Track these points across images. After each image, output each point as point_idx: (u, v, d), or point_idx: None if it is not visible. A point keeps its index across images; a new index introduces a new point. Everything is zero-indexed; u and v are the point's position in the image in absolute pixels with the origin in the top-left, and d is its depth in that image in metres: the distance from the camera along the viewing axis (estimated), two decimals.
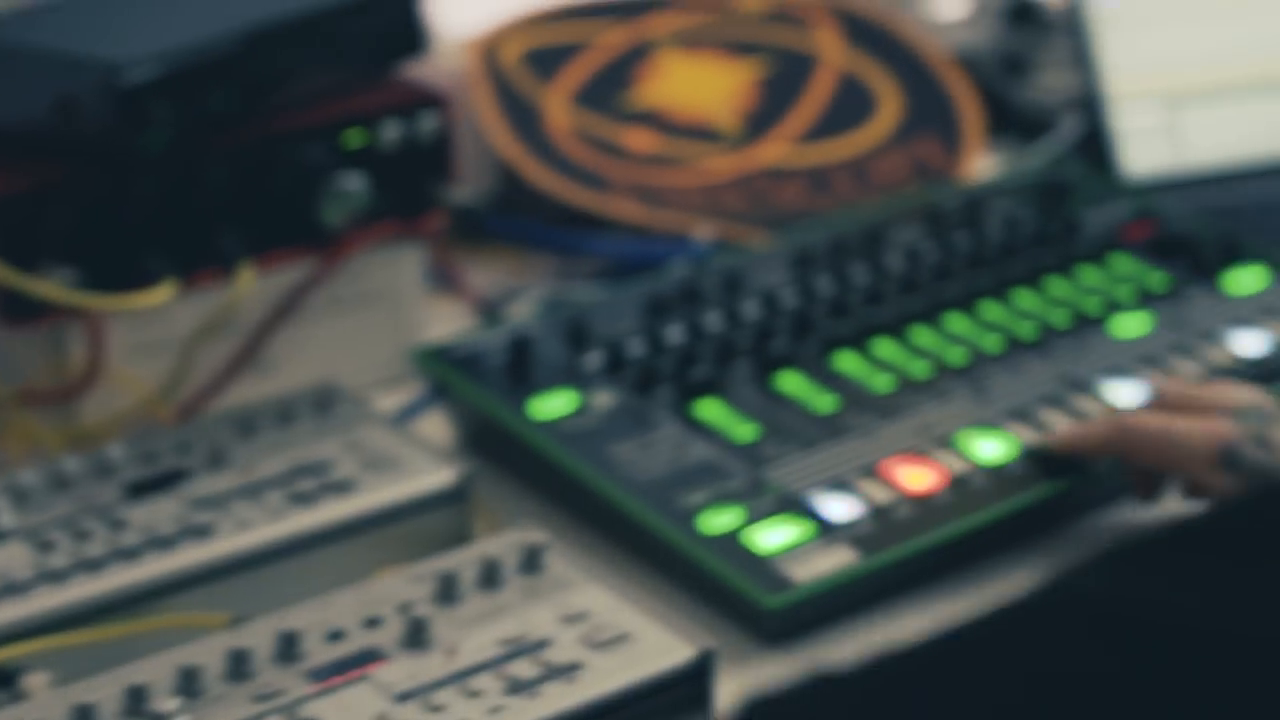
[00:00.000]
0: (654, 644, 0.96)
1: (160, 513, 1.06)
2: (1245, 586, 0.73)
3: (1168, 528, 0.81)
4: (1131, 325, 1.25)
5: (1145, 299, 1.28)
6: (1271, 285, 1.30)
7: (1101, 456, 1.12)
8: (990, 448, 1.13)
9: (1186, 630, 0.72)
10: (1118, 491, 1.16)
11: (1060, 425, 1.14)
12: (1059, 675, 0.73)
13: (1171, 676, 0.71)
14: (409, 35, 1.29)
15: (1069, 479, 1.12)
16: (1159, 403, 1.13)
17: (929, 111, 1.58)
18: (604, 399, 1.17)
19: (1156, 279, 1.31)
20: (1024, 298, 1.28)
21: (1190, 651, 0.71)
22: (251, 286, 1.20)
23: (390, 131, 1.25)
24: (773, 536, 1.05)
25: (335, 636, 0.96)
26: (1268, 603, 0.72)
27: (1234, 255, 1.33)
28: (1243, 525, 0.77)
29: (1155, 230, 1.36)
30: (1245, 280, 1.31)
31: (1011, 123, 1.67)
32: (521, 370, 1.19)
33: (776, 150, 1.53)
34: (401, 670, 0.94)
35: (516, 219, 1.49)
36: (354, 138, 1.24)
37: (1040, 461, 1.12)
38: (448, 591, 0.99)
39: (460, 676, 0.93)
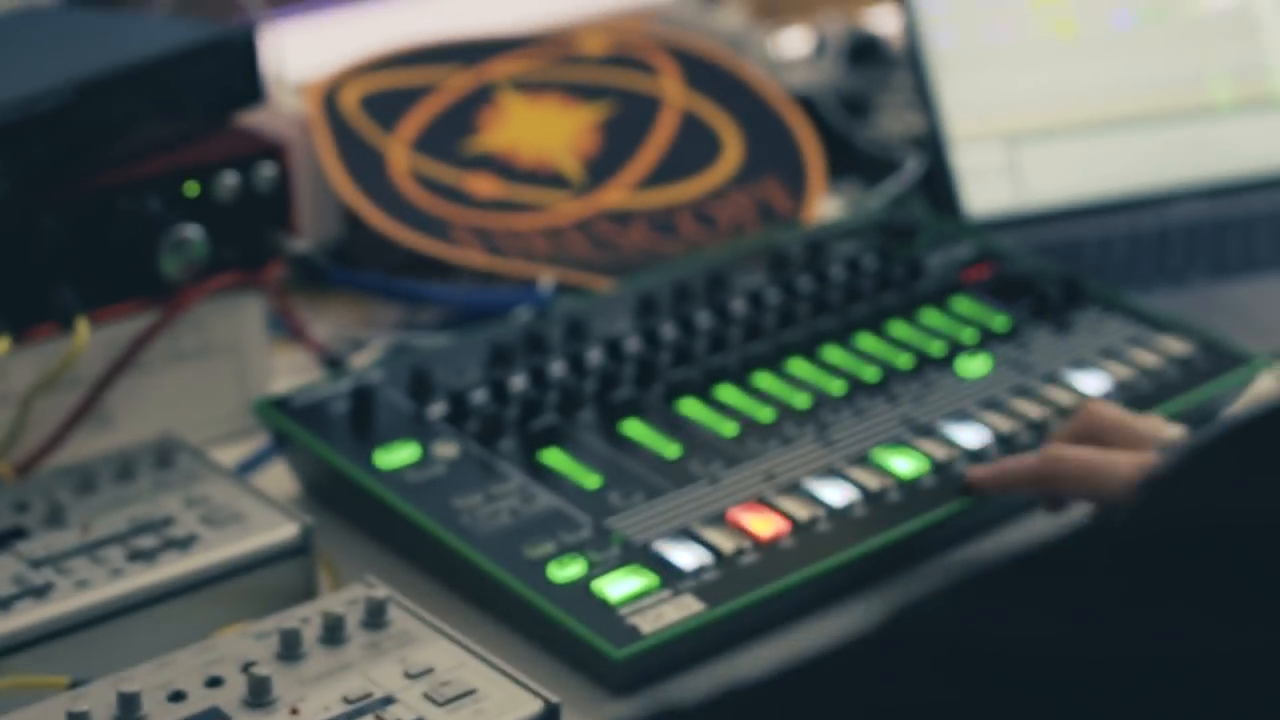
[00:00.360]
0: (500, 698, 0.95)
1: None
2: (1087, 611, 0.73)
3: (1010, 555, 0.82)
4: (974, 367, 1.26)
5: (987, 341, 1.29)
6: (1110, 325, 1.32)
7: (1027, 490, 1.13)
8: (834, 493, 1.13)
9: (1028, 658, 0.72)
10: (969, 531, 1.16)
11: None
12: (901, 708, 0.73)
13: (1013, 705, 0.72)
14: (246, 84, 1.28)
15: (917, 522, 1.12)
16: (1090, 430, 1.13)
17: (772, 153, 1.59)
18: (448, 449, 1.16)
19: (998, 321, 1.32)
20: (867, 341, 1.29)
21: (1031, 679, 0.72)
22: (88, 340, 1.18)
23: (227, 182, 1.24)
24: (619, 587, 1.05)
25: (177, 697, 0.95)
26: (1108, 626, 0.72)
27: (1074, 296, 1.34)
28: (1085, 551, 0.77)
29: (996, 271, 1.37)
30: (1085, 321, 1.32)
31: (854, 163, 1.69)
32: (364, 421, 1.18)
33: (620, 194, 1.53)
34: None
35: (358, 268, 1.48)
36: (191, 188, 1.23)
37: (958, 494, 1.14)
38: (290, 649, 0.98)
39: None
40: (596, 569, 1.06)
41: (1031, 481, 1.12)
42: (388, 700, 0.95)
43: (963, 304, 1.34)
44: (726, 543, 1.08)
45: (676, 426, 1.19)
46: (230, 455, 1.24)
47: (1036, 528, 1.17)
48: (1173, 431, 1.11)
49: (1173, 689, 0.69)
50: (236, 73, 1.28)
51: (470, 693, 0.95)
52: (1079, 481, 1.10)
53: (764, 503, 1.12)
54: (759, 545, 1.09)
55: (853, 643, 0.78)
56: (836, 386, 1.23)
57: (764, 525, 1.10)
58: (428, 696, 0.95)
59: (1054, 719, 0.71)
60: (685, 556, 1.07)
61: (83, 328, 1.18)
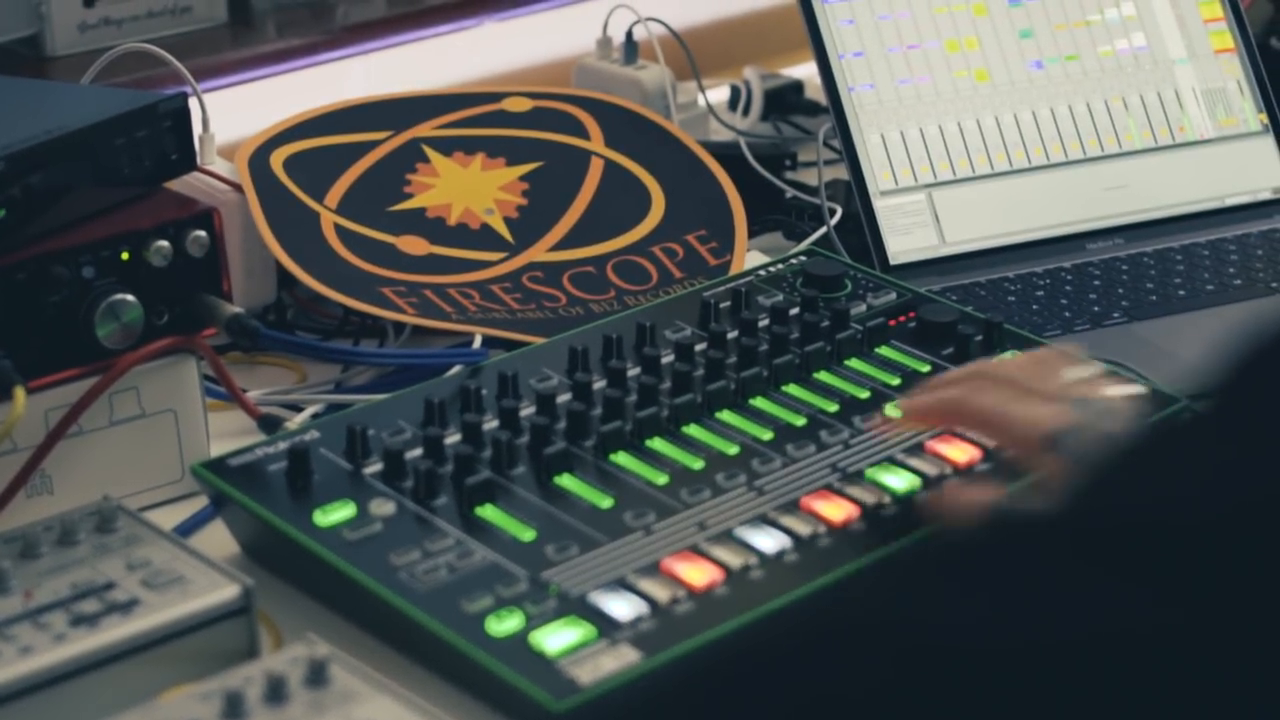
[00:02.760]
0: None
1: None
2: (1023, 596, 0.75)
3: (949, 543, 0.84)
4: (899, 413, 1.29)
5: (912, 386, 1.32)
6: None
7: (936, 425, 1.17)
8: (766, 540, 1.15)
9: (967, 646, 0.74)
10: None
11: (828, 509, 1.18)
12: (844, 697, 0.75)
13: (953, 691, 0.73)
14: (177, 151, 1.30)
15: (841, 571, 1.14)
16: (1007, 379, 1.15)
17: (696, 206, 1.62)
18: (385, 506, 1.18)
19: (922, 366, 1.34)
20: (794, 389, 1.31)
21: (970, 664, 0.74)
22: (25, 408, 1.19)
23: (161, 248, 1.25)
24: (557, 639, 1.07)
25: None
26: (1043, 610, 0.74)
27: (996, 340, 1.37)
28: (1023, 538, 0.79)
29: (919, 317, 1.40)
30: None
31: (778, 212, 1.71)
32: (301, 480, 1.20)
33: (548, 250, 1.55)
34: None
35: (296, 327, 1.50)
36: (125, 255, 1.24)
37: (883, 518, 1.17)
38: (234, 709, 0.99)
39: None
40: (534, 621, 1.08)
41: (939, 419, 1.16)
42: None
43: (887, 350, 1.36)
44: (661, 592, 1.10)
45: (609, 478, 1.21)
46: (170, 517, 1.26)
47: None
48: (1076, 375, 1.14)
49: (1104, 667, 0.71)
50: (167, 140, 1.30)
51: None
52: (987, 424, 1.13)
53: (697, 552, 1.14)
54: (693, 594, 1.11)
55: (797, 632, 0.80)
56: (765, 435, 1.26)
57: (698, 574, 1.12)
58: None
59: (992, 703, 0.73)
60: (621, 607, 1.09)
61: (20, 396, 1.19)
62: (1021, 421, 1.11)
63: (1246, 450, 0.73)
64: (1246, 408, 0.75)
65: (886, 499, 1.20)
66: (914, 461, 1.23)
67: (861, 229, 1.61)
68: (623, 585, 1.11)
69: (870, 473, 1.22)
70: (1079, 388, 1.14)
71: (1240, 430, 0.74)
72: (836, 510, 1.18)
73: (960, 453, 1.24)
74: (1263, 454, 0.72)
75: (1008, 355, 1.27)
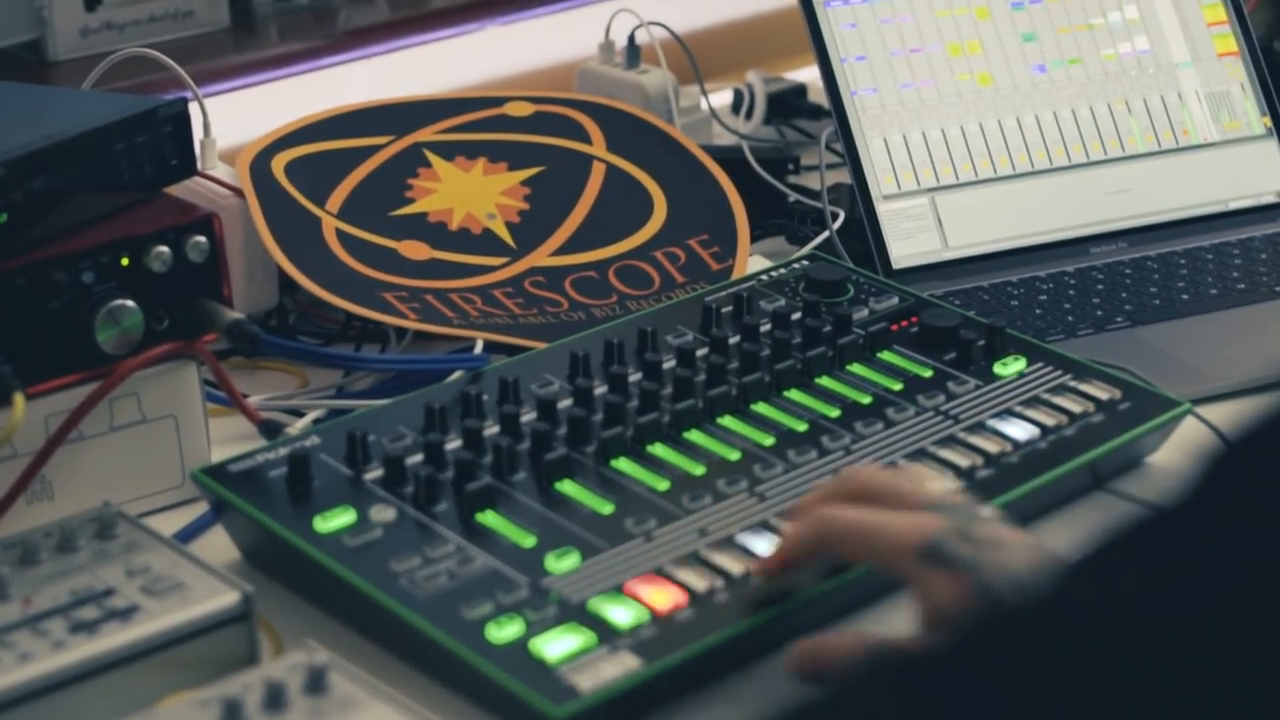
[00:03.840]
0: None
1: None
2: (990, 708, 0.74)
3: (911, 652, 0.82)
4: (902, 418, 1.28)
5: (913, 391, 1.32)
6: (1030, 373, 1.34)
7: (809, 558, 1.10)
8: (767, 546, 1.15)
9: None
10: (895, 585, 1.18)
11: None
12: None
13: None
14: (177, 156, 1.30)
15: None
16: (855, 493, 1.10)
17: (698, 211, 1.61)
18: (385, 513, 1.17)
19: (924, 371, 1.34)
20: (795, 395, 1.31)
21: None
22: (25, 414, 1.19)
23: (161, 253, 1.25)
24: (557, 646, 1.06)
25: None
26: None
27: (998, 344, 1.36)
28: (984, 646, 0.77)
29: (921, 322, 1.40)
30: (1009, 370, 1.35)
31: (780, 217, 1.71)
32: (301, 486, 1.19)
33: (549, 255, 1.55)
34: None
35: (297, 332, 1.50)
36: (125, 261, 1.24)
37: (758, 596, 1.12)
38: (233, 716, 0.99)
39: None
40: (534, 628, 1.08)
41: (809, 549, 1.09)
42: None
43: (889, 355, 1.36)
44: (661, 600, 1.10)
45: (610, 484, 1.21)
46: (170, 523, 1.26)
47: None
48: (938, 487, 1.09)
49: None
50: (168, 145, 1.30)
51: None
52: (855, 540, 1.06)
53: (698, 558, 1.14)
54: (694, 600, 1.10)
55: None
56: (767, 440, 1.25)
57: (698, 581, 1.12)
58: None
59: None
60: (621, 614, 1.09)
61: (20, 401, 1.19)
62: (892, 533, 1.06)
63: (1211, 557, 0.71)
64: (1209, 514, 0.73)
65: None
66: (915, 463, 1.23)
67: (864, 233, 1.61)
68: (623, 591, 1.11)
69: None
70: (942, 495, 1.08)
71: (1203, 537, 0.72)
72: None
73: (960, 457, 1.24)
74: (1229, 561, 0.71)
75: (864, 465, 1.24)
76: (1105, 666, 0.70)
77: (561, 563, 1.13)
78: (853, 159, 1.62)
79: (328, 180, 1.56)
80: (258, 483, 1.20)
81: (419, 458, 1.22)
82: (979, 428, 1.28)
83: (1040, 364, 1.36)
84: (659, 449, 1.25)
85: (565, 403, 1.28)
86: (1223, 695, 0.68)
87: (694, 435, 1.26)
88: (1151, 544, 0.73)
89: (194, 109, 1.36)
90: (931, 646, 0.77)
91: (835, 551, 1.09)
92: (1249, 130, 1.74)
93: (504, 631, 1.07)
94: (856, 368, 1.35)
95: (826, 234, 1.63)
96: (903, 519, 1.06)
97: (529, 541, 1.15)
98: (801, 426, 1.27)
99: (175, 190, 1.32)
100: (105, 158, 1.26)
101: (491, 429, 1.26)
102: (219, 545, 1.23)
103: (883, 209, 1.61)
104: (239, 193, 1.50)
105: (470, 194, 1.59)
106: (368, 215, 1.54)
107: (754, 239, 1.64)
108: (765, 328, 1.38)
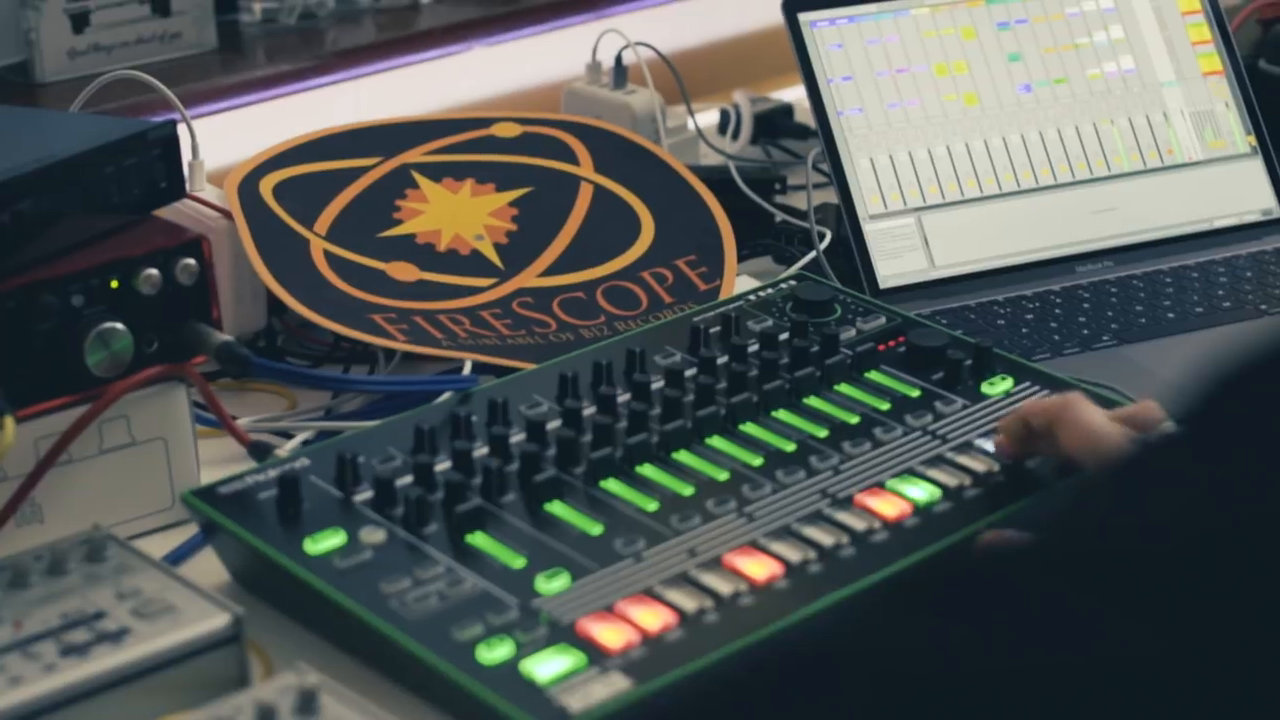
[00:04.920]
0: None
1: None
2: (1008, 619, 0.75)
3: (935, 566, 0.83)
4: (890, 438, 1.29)
5: (902, 411, 1.32)
6: (1017, 393, 1.35)
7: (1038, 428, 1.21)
8: (756, 567, 1.15)
9: (951, 672, 0.74)
10: None
11: (822, 538, 1.18)
12: None
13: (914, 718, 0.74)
14: (166, 179, 1.30)
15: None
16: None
17: (686, 231, 1.62)
18: (375, 534, 1.18)
19: (912, 391, 1.34)
20: (784, 415, 1.31)
21: (955, 691, 0.74)
22: (15, 436, 1.19)
23: (150, 276, 1.25)
24: (547, 667, 1.07)
25: None
26: (1027, 633, 0.74)
27: (985, 364, 1.37)
28: (1007, 561, 0.78)
29: (909, 342, 1.40)
30: (996, 389, 1.35)
31: (768, 237, 1.71)
32: (291, 508, 1.20)
33: (537, 276, 1.55)
34: None
35: (281, 357, 1.51)
36: (114, 283, 1.24)
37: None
38: None
39: None
40: (524, 650, 1.08)
41: (1047, 417, 1.19)
42: None
43: (876, 375, 1.37)
44: (651, 620, 1.10)
45: (599, 505, 1.21)
46: (160, 546, 1.26)
47: None
48: None
49: (1079, 693, 0.72)
50: (157, 168, 1.30)
51: None
52: (1081, 437, 1.17)
53: (687, 579, 1.14)
54: (684, 621, 1.11)
55: (774, 665, 0.80)
56: (755, 461, 1.26)
57: (687, 602, 1.12)
58: None
59: None
60: (611, 635, 1.09)
61: (9, 425, 1.19)
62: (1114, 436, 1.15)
63: (1221, 473, 0.73)
64: (1221, 430, 0.75)
65: (876, 524, 1.20)
66: (904, 487, 1.23)
67: (851, 253, 1.61)
68: (612, 612, 1.11)
69: (860, 498, 1.22)
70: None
71: (1215, 453, 0.74)
72: (827, 536, 1.18)
73: (948, 477, 1.24)
74: (1237, 477, 0.72)
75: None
76: (1123, 581, 0.71)
77: (551, 584, 1.13)
78: (839, 179, 1.63)
79: (316, 202, 1.56)
80: (247, 505, 1.21)
81: (409, 479, 1.22)
82: (967, 447, 1.28)
83: (1027, 383, 1.36)
84: (648, 470, 1.25)
85: (554, 424, 1.29)
86: (1228, 610, 0.70)
87: (683, 456, 1.26)
88: (1161, 468, 0.75)
89: (182, 131, 1.36)
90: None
91: (1063, 438, 1.19)
92: (1233, 149, 1.75)
93: (494, 653, 1.08)
94: (844, 388, 1.35)
95: (813, 254, 1.63)
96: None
97: (519, 563, 1.15)
98: (790, 447, 1.28)
99: (164, 212, 1.32)
100: (94, 181, 1.26)
101: (481, 450, 1.26)
102: (209, 567, 1.24)
103: (869, 229, 1.62)
104: (227, 214, 1.50)
105: (458, 215, 1.59)
106: (356, 237, 1.54)
107: (741, 259, 1.64)
108: (753, 348, 1.38)
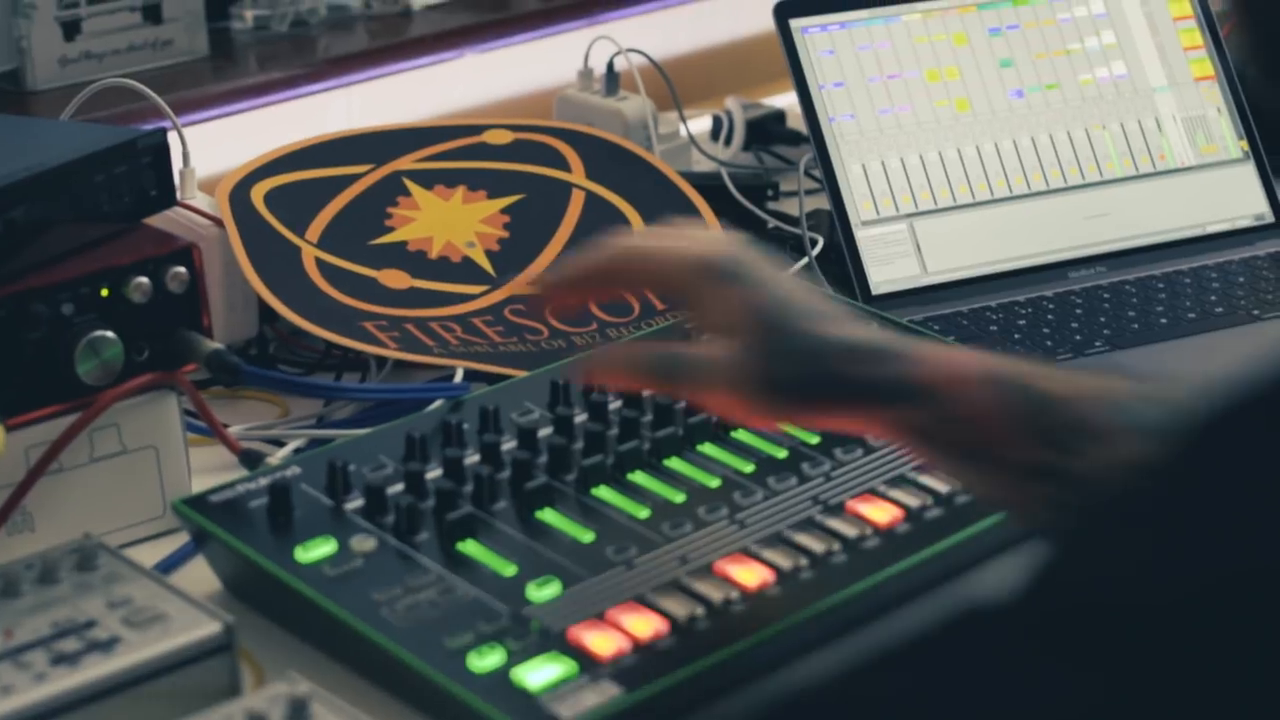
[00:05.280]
0: None
1: None
2: (957, 689, 0.75)
3: (886, 630, 0.83)
4: (882, 444, 1.29)
5: None
6: None
7: (593, 287, 1.17)
8: (748, 574, 1.15)
9: None
10: (881, 606, 1.18)
11: (812, 544, 1.18)
12: None
13: None
14: (156, 187, 1.30)
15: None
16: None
17: None
18: (366, 542, 1.17)
19: None
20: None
21: None
22: (4, 447, 1.19)
23: (140, 284, 1.25)
24: (539, 675, 1.06)
25: None
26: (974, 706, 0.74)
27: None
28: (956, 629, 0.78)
29: None
30: None
31: (760, 243, 1.71)
32: (282, 517, 1.19)
33: (529, 282, 1.55)
34: None
35: (273, 365, 1.50)
36: (104, 292, 1.24)
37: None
38: None
39: None
40: (516, 657, 1.08)
41: (594, 276, 1.15)
42: None
43: None
44: (642, 628, 1.10)
45: (591, 513, 1.21)
46: (151, 554, 1.26)
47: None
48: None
49: None
50: (147, 176, 1.30)
51: None
52: (639, 263, 1.13)
53: (679, 586, 1.14)
54: (675, 628, 1.11)
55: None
56: (747, 468, 1.26)
57: (679, 609, 1.12)
58: None
59: None
60: (602, 642, 1.09)
61: (0, 434, 1.19)
62: (674, 254, 1.11)
63: (1201, 529, 0.72)
64: (1200, 482, 0.73)
65: (868, 531, 1.20)
66: (896, 493, 1.23)
67: (843, 259, 1.61)
68: (603, 620, 1.11)
69: (852, 505, 1.22)
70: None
71: (1195, 507, 0.73)
72: (818, 543, 1.18)
73: (941, 483, 1.24)
74: (1219, 534, 0.71)
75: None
76: (1099, 641, 0.70)
77: (542, 591, 1.13)
78: (831, 185, 1.63)
79: (307, 209, 1.56)
80: (238, 513, 1.20)
81: (400, 487, 1.22)
82: None
83: None
84: (639, 477, 1.25)
85: (545, 431, 1.28)
86: (1212, 669, 0.69)
87: (674, 463, 1.26)
88: (1138, 522, 0.73)
89: (173, 138, 1.36)
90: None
91: (621, 276, 1.15)
92: (1226, 154, 1.75)
93: (485, 661, 1.07)
94: None
95: (805, 260, 1.63)
96: (687, 241, 1.12)
97: (510, 570, 1.15)
98: (781, 453, 1.27)
99: (155, 220, 1.32)
100: (84, 189, 1.26)
101: (472, 458, 1.26)
102: (200, 576, 1.23)
103: (861, 235, 1.62)
104: (219, 222, 1.50)
105: (450, 222, 1.59)
106: (347, 244, 1.54)
107: None
108: None
